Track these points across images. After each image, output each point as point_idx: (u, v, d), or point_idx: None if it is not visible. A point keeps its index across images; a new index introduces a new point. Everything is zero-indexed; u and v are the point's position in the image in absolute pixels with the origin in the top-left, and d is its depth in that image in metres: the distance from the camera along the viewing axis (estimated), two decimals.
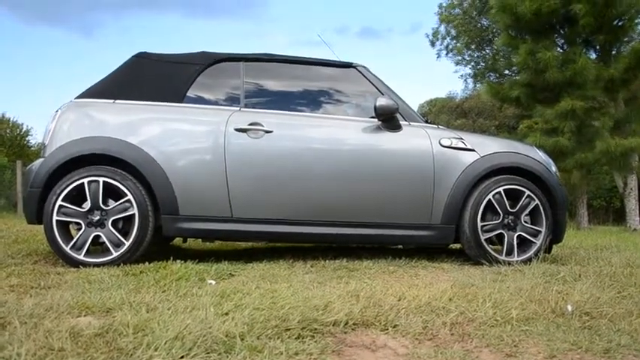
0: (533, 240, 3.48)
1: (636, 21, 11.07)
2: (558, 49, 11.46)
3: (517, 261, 3.37)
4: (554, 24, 11.32)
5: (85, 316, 1.96)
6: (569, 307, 2.12)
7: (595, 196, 20.34)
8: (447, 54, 23.32)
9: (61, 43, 52.51)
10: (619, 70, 10.25)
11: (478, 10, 20.77)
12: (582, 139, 10.69)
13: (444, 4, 22.51)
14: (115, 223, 3.18)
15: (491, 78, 20.97)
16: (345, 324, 1.86)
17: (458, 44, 22.64)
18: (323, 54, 3.75)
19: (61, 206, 3.14)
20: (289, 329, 1.75)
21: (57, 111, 3.39)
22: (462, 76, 26.50)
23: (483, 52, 22.65)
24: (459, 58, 23.33)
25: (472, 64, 23.54)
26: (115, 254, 3.14)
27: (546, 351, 1.70)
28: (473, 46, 22.45)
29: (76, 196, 3.19)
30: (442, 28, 23.00)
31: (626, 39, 11.42)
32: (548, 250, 3.64)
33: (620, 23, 10.84)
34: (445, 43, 23.13)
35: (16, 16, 45.10)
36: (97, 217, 3.16)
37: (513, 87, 11.76)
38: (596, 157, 10.42)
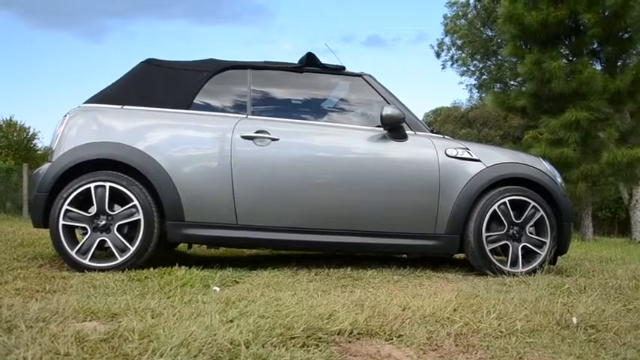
0: (538, 251, 3.47)
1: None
2: (564, 59, 11.47)
3: (522, 272, 3.36)
4: (560, 34, 11.33)
5: (90, 320, 1.96)
6: (575, 320, 2.12)
7: (600, 207, 20.27)
8: (452, 65, 23.34)
9: (69, 47, 53.07)
10: (625, 82, 10.24)
11: (483, 21, 20.79)
12: (587, 149, 10.67)
13: (449, 15, 22.55)
14: (120, 229, 3.19)
15: (496, 88, 20.95)
16: (350, 333, 1.86)
17: (463, 54, 22.64)
18: (330, 62, 3.77)
19: (67, 210, 3.16)
20: (294, 338, 1.76)
21: (65, 116, 3.41)
22: (467, 86, 26.48)
23: (488, 63, 22.64)
24: (464, 68, 23.34)
25: (477, 74, 23.54)
26: (120, 259, 3.15)
27: None
28: (478, 57, 22.44)
29: (83, 201, 3.21)
30: (447, 39, 23.05)
31: (634, 52, 11.40)
32: (553, 261, 3.62)
33: (627, 35, 10.83)
34: (450, 53, 23.16)
35: (25, 22, 45.60)
36: (103, 222, 3.18)
37: (519, 97, 11.76)
38: (602, 168, 10.39)
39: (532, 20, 10.51)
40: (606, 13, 10.20)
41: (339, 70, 3.68)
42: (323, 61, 3.65)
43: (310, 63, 3.63)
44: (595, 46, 11.23)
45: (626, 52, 11.04)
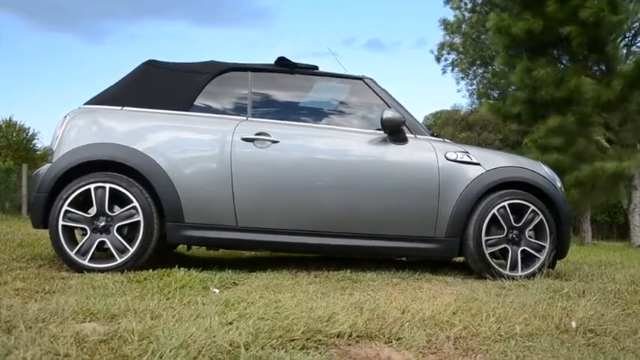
0: (537, 255, 3.47)
1: (621, 42, 11.13)
2: (560, 65, 11.51)
3: (521, 276, 3.36)
4: (552, 41, 11.38)
5: (89, 321, 1.96)
6: (574, 324, 2.12)
7: (599, 211, 20.26)
8: (452, 70, 23.39)
9: (70, 49, 53.12)
10: (616, 88, 10.23)
11: (478, 31, 20.82)
12: (579, 155, 10.68)
13: (447, 21, 22.61)
14: (120, 230, 3.19)
15: (494, 94, 20.97)
16: (349, 336, 1.86)
17: (462, 61, 22.69)
18: (330, 65, 3.78)
19: (67, 211, 3.16)
20: (293, 340, 1.76)
21: (65, 117, 3.41)
22: (467, 91, 26.42)
23: (486, 70, 22.68)
24: (463, 75, 23.38)
25: (477, 79, 23.58)
26: (119, 260, 3.14)
27: None
28: (478, 62, 22.48)
29: (82, 202, 3.21)
30: (447, 44, 23.08)
31: (631, 56, 11.46)
32: (552, 265, 3.63)
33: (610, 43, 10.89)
34: (450, 59, 23.24)
35: (27, 23, 45.68)
36: (103, 223, 3.18)
37: (514, 104, 11.79)
38: (589, 178, 10.40)
39: (518, 30, 10.60)
40: (586, 23, 10.21)
41: (313, 70, 3.67)
42: (326, 65, 3.67)
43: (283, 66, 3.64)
44: (584, 51, 11.27)
45: (611, 59, 11.04)
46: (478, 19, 20.04)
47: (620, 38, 11.49)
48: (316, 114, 3.77)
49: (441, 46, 23.19)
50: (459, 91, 28.46)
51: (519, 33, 10.58)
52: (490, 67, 22.11)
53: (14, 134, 21.72)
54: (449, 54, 23.04)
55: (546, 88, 10.44)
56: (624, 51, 13.73)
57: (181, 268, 3.06)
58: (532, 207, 3.47)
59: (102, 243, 3.17)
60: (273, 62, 3.66)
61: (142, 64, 3.65)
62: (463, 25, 21.60)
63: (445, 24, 22.45)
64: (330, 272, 3.33)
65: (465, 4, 20.97)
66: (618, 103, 10.60)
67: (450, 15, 22.47)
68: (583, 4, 9.94)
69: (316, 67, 3.68)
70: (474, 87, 24.18)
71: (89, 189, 3.17)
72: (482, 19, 19.33)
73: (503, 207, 3.43)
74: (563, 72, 10.77)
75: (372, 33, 54.79)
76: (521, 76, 10.75)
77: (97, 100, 3.50)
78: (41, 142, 22.97)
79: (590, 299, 2.62)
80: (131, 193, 3.19)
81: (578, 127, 10.40)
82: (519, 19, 10.65)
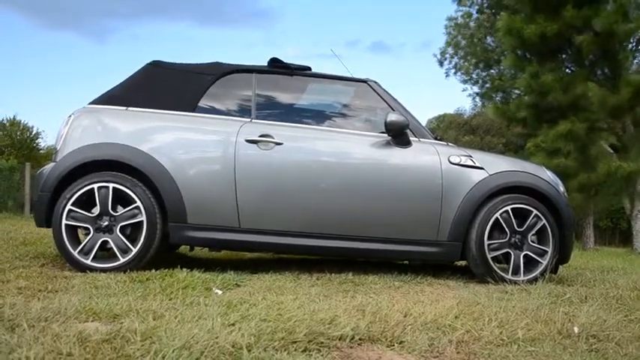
0: (540, 260, 3.46)
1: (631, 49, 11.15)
2: (567, 70, 11.50)
3: (523, 280, 3.36)
4: (559, 47, 11.36)
5: (92, 321, 1.96)
6: (576, 329, 2.11)
7: (602, 217, 20.21)
8: (455, 73, 23.33)
9: (73, 47, 53.28)
10: (624, 96, 10.20)
11: (485, 32, 20.74)
12: (586, 159, 10.66)
13: (450, 25, 22.55)
14: (123, 229, 3.20)
15: (499, 97, 20.92)
16: (352, 339, 1.86)
17: (465, 63, 22.63)
18: (334, 67, 3.80)
19: (70, 211, 3.16)
20: (296, 342, 1.76)
21: (70, 116, 3.42)
22: (470, 95, 26.32)
23: (491, 72, 22.59)
24: (467, 77, 23.31)
25: (480, 82, 23.51)
26: (122, 260, 3.15)
27: None
28: (481, 65, 22.41)
29: (86, 202, 3.22)
30: (450, 49, 23.01)
31: (635, 65, 11.46)
32: (554, 270, 3.62)
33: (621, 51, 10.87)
34: (453, 62, 23.16)
35: (29, 21, 45.82)
36: (106, 223, 3.18)
37: (519, 108, 11.77)
38: (600, 179, 10.38)
39: (531, 33, 10.56)
40: (598, 33, 10.18)
41: (343, 76, 3.69)
42: (330, 67, 3.68)
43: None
44: (592, 58, 11.25)
45: (621, 67, 11.01)
46: (488, 19, 19.93)
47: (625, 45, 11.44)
48: (320, 116, 3.77)
49: (445, 49, 23.08)
50: (464, 90, 28.43)
51: (531, 36, 10.55)
52: (495, 70, 22.01)
53: (18, 133, 21.78)
54: (452, 57, 22.96)
55: (554, 94, 10.41)
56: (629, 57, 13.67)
57: (184, 269, 3.06)
58: (535, 211, 3.46)
59: (105, 243, 3.18)
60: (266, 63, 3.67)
61: (147, 64, 3.66)
62: (471, 24, 21.51)
63: (452, 19, 22.25)
64: (333, 275, 3.33)
65: (474, 2, 20.84)
66: (626, 110, 10.57)
67: (455, 19, 22.37)
68: (597, 14, 9.92)
69: (309, 68, 3.69)
70: (478, 90, 24.12)
71: (93, 188, 3.18)
72: (491, 20, 19.26)
73: (506, 211, 3.43)
74: (570, 77, 10.75)
75: (376, 35, 54.92)
76: (529, 80, 10.73)
77: (102, 99, 3.51)
78: (45, 141, 23.04)
79: (593, 305, 2.62)
80: (134, 193, 3.19)
81: (586, 132, 10.36)
82: (532, 22, 10.62)
